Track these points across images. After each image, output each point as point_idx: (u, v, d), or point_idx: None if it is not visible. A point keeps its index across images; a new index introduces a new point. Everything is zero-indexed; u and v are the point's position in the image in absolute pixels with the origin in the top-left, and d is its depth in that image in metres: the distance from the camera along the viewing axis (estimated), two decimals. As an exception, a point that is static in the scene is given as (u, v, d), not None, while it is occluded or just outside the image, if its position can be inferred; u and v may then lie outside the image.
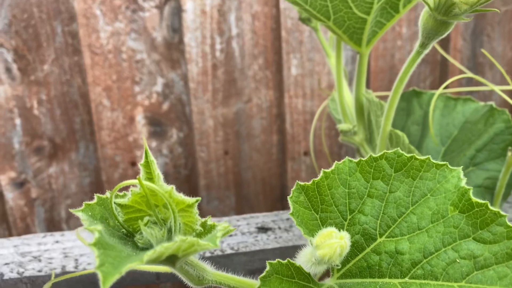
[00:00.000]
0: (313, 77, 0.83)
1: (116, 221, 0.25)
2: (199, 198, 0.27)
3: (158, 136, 0.81)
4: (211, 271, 0.29)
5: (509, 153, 0.43)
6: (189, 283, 0.29)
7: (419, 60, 0.36)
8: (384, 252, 0.26)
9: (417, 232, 0.26)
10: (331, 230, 0.25)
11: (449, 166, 0.27)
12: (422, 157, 0.27)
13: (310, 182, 0.29)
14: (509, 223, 0.25)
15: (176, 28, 0.77)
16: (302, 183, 0.29)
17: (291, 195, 0.28)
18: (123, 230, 0.26)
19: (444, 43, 0.86)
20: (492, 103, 0.50)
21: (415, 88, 0.56)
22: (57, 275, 0.44)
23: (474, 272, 0.24)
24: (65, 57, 0.75)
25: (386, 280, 0.25)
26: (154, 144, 0.81)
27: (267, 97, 0.83)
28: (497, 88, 0.49)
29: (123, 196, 0.27)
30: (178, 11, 0.76)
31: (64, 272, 0.44)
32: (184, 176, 0.85)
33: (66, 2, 0.73)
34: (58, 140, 0.79)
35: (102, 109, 0.78)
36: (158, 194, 0.26)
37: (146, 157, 0.27)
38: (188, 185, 0.85)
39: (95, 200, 0.28)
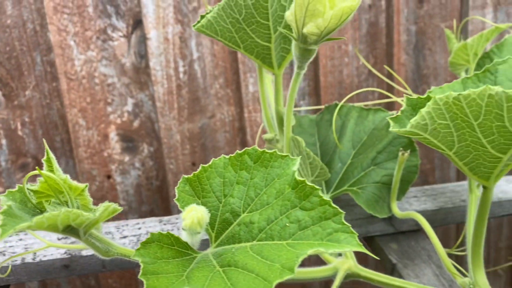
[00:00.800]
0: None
1: (30, 203, 0.33)
2: (87, 184, 0.35)
3: (131, 151, 0.90)
4: (115, 245, 0.37)
5: (400, 154, 0.51)
6: (98, 255, 0.37)
7: (300, 79, 0.44)
8: (243, 224, 0.34)
9: (266, 206, 0.34)
10: (193, 206, 0.33)
11: (290, 156, 0.35)
12: (271, 151, 0.36)
13: (192, 175, 0.37)
14: (321, 194, 0.33)
15: (143, 54, 0.86)
16: (186, 176, 0.37)
17: (178, 186, 0.37)
18: (38, 210, 0.34)
19: (389, 58, 0.95)
20: (395, 112, 0.58)
21: (336, 102, 0.65)
22: (17, 266, 0.52)
23: (298, 232, 0.32)
24: (45, 83, 0.85)
25: (242, 244, 0.33)
26: (127, 158, 0.90)
27: (229, 113, 0.92)
28: (399, 100, 0.57)
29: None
30: (143, 39, 0.85)
31: (23, 263, 0.52)
32: (156, 187, 0.93)
33: (44, 35, 0.83)
34: (41, 157, 0.88)
35: (79, 128, 0.87)
36: (58, 182, 0.34)
37: (48, 154, 0.35)
38: (160, 195, 0.94)
39: (16, 188, 0.36)
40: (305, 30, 0.37)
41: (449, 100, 0.32)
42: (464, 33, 0.95)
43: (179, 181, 0.37)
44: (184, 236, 0.34)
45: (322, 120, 0.65)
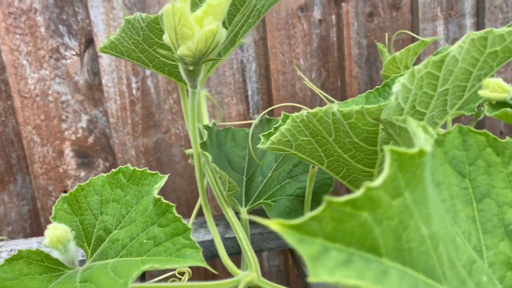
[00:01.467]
0: (223, 108, 0.94)
1: None
2: None
3: (86, 166, 0.92)
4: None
5: (310, 166, 0.52)
6: None
7: (196, 98, 0.46)
8: (111, 241, 0.35)
9: (132, 224, 0.35)
10: (53, 224, 0.34)
11: (159, 174, 0.36)
12: (141, 169, 0.37)
13: (69, 193, 0.39)
14: (175, 212, 0.34)
15: (96, 72, 0.88)
16: (65, 195, 0.38)
17: (56, 204, 0.38)
18: None
19: (341, 71, 0.97)
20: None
21: (267, 116, 0.66)
22: None
23: (153, 249, 0.33)
24: (0, 102, 0.87)
25: (107, 260, 0.34)
26: (83, 174, 0.92)
27: (184, 127, 0.94)
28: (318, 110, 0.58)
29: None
30: (95, 57, 0.87)
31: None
32: (113, 201, 0.94)
33: (-3, 55, 0.85)
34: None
35: (34, 145, 0.89)
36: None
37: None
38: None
39: None
40: (179, 52, 0.38)
41: (304, 118, 0.33)
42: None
43: (57, 200, 0.39)
44: (55, 253, 0.35)
45: (254, 133, 0.67)
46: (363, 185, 0.19)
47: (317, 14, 0.93)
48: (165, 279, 0.52)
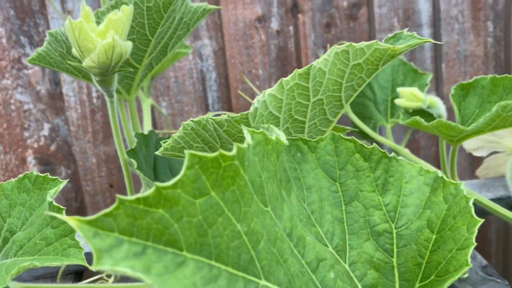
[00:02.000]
0: (183, 116, 0.96)
1: None
2: None
3: (48, 174, 0.94)
4: None
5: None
6: None
7: (115, 106, 0.48)
8: (12, 241, 0.38)
9: (31, 226, 0.38)
10: None
11: (59, 179, 0.39)
12: (43, 175, 0.39)
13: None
14: (64, 214, 0.36)
15: (57, 81, 0.91)
16: None
17: None
18: None
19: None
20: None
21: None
22: None
23: (44, 248, 0.35)
24: (-36, 110, 0.89)
25: (7, 260, 0.37)
26: (45, 180, 0.94)
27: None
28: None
29: None
30: (57, 67, 0.90)
31: None
32: (75, 208, 0.96)
33: (-39, 65, 0.87)
34: (-38, 181, 0.92)
35: (-4, 153, 0.91)
36: None
37: None
38: (81, 216, 0.97)
39: None
40: (84, 64, 0.41)
41: (193, 126, 0.36)
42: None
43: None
44: None
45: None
46: (156, 186, 0.21)
47: (274, 25, 0.95)
48: (97, 281, 0.54)
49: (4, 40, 0.88)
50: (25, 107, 0.91)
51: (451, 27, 1.00)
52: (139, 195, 0.21)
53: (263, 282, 0.25)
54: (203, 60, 0.95)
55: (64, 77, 0.90)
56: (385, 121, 0.71)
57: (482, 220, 0.29)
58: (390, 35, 0.41)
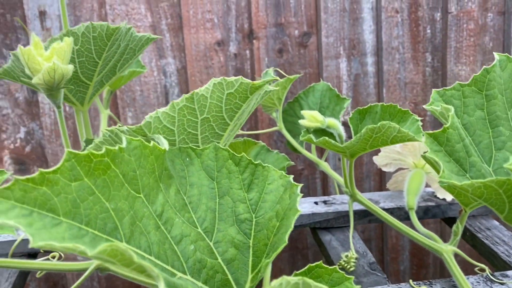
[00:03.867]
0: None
1: None
2: None
3: (23, 172, 1.04)
4: None
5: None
6: None
7: (62, 116, 0.58)
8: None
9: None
10: None
11: (5, 171, 0.49)
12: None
13: None
14: None
15: (34, 90, 1.01)
16: None
17: None
18: None
19: (255, 99, 1.10)
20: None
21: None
22: None
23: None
24: (-51, 112, 1.00)
25: None
26: (19, 178, 1.04)
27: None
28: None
29: None
30: (34, 78, 1.01)
31: None
32: (45, 204, 1.06)
33: (-52, 72, 0.98)
34: None
35: (-24, 152, 1.01)
36: None
37: None
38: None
39: None
40: (33, 81, 0.51)
41: (108, 133, 0.46)
42: (321, 77, 1.09)
43: None
44: None
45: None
46: (39, 171, 0.32)
47: (232, 48, 1.06)
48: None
49: (-12, 52, 0.99)
50: (4, 111, 1.01)
51: (392, 57, 1.11)
52: (28, 176, 0.32)
53: (124, 244, 0.35)
54: (167, 76, 1.06)
55: (40, 86, 1.01)
56: (311, 138, 0.81)
57: (300, 211, 0.40)
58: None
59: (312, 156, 0.79)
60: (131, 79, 0.83)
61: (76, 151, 0.33)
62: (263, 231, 0.44)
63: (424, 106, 0.50)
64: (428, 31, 1.12)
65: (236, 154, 0.45)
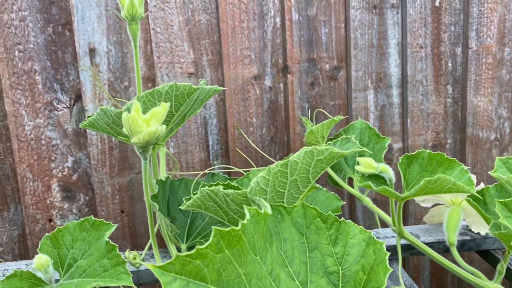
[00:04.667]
0: (187, 155, 1.13)
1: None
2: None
3: (69, 199, 1.09)
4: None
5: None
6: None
7: (147, 167, 0.64)
8: (76, 267, 0.53)
9: (91, 256, 0.54)
10: (39, 255, 0.52)
11: (111, 224, 0.55)
12: (100, 220, 0.56)
13: (51, 233, 0.57)
14: (117, 250, 0.52)
15: (82, 121, 1.07)
16: (48, 234, 0.56)
17: (42, 240, 0.56)
18: None
19: (287, 129, 1.16)
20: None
21: (216, 171, 0.85)
22: None
23: (102, 273, 0.51)
24: (0, 143, 1.05)
25: (73, 280, 0.52)
26: (66, 205, 1.09)
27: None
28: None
29: None
30: (82, 110, 1.06)
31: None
32: (90, 229, 1.12)
33: (1, 105, 1.03)
34: (-6, 203, 1.07)
35: (26, 180, 1.07)
36: None
37: None
38: (93, 236, 1.12)
39: None
40: (132, 141, 0.57)
41: (208, 191, 0.52)
42: (349, 109, 1.16)
43: (43, 237, 0.57)
44: (39, 274, 0.53)
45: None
46: (196, 248, 0.38)
47: (268, 82, 1.13)
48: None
49: (40, 86, 1.04)
50: (53, 142, 1.07)
51: (416, 89, 1.19)
52: (188, 252, 0.38)
53: (252, 303, 0.41)
54: (207, 108, 1.12)
55: (89, 119, 1.06)
56: (352, 174, 0.88)
57: (391, 270, 0.46)
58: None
59: (355, 191, 0.85)
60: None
61: (220, 228, 0.39)
62: (350, 282, 0.50)
63: (489, 172, 0.57)
64: (450, 65, 1.20)
65: (323, 213, 0.52)
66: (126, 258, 0.78)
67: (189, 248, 0.74)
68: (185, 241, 0.74)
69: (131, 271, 0.75)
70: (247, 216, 0.42)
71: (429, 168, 0.71)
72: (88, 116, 0.67)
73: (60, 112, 1.06)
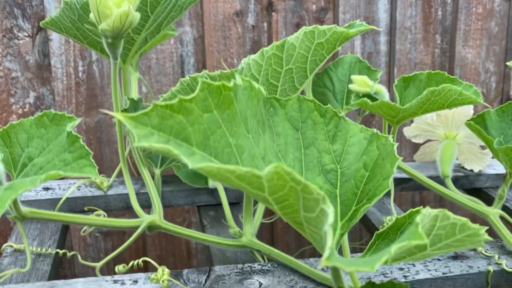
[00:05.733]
0: (162, 96, 1.04)
1: None
2: None
3: (30, 139, 1.00)
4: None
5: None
6: None
7: (117, 68, 0.56)
8: (32, 165, 0.46)
9: (50, 152, 0.46)
10: None
11: (74, 117, 0.48)
12: (61, 113, 0.48)
13: (2, 129, 0.49)
14: (81, 141, 0.45)
15: (46, 53, 0.97)
16: None
17: None
18: None
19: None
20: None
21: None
22: None
23: (62, 168, 0.44)
24: (-47, 73, 0.94)
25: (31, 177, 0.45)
26: (26, 145, 1.00)
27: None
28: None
29: None
30: (46, 40, 0.97)
31: None
32: (53, 173, 1.03)
33: (-46, 30, 0.93)
34: None
35: (-18, 115, 0.97)
36: None
37: None
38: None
39: None
40: (100, 27, 0.49)
41: (187, 81, 0.45)
42: (336, 56, 1.10)
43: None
44: None
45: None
46: (179, 98, 0.31)
47: (251, 20, 1.05)
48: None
49: (-2, 10, 0.94)
50: (13, 74, 0.97)
51: (404, 36, 1.14)
52: (167, 102, 0.31)
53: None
54: (184, 45, 1.04)
55: (54, 49, 0.97)
56: (341, 108, 0.82)
57: (401, 158, 0.41)
58: (352, 39, 0.51)
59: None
60: (162, 41, 0.81)
61: (209, 81, 0.32)
62: (350, 181, 0.44)
63: (507, 63, 0.52)
64: (440, 13, 1.15)
65: (322, 105, 0.46)
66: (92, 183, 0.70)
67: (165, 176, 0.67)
68: (159, 166, 0.67)
69: (97, 195, 0.68)
70: (239, 82, 0.36)
71: (427, 90, 0.65)
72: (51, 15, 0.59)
73: (21, 41, 0.96)
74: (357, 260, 0.30)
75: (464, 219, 0.31)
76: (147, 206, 0.68)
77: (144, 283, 0.47)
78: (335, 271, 0.40)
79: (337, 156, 0.45)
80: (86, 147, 0.45)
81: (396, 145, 0.42)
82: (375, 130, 0.45)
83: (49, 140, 0.46)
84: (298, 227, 0.37)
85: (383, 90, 0.67)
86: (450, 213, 0.31)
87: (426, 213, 0.31)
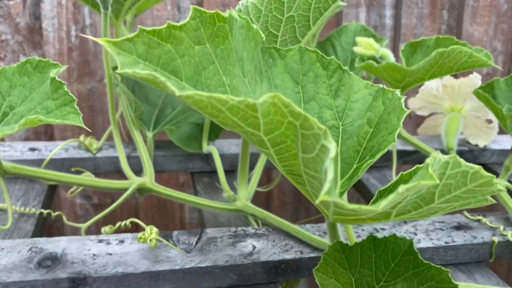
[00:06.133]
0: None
1: None
2: None
3: (20, 105, 0.97)
4: None
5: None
6: None
7: (108, 20, 0.53)
8: (13, 113, 0.43)
9: (32, 100, 0.43)
10: None
11: (59, 64, 0.44)
12: (45, 60, 0.45)
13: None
14: (65, 88, 0.42)
15: (37, 16, 0.93)
16: None
17: None
18: None
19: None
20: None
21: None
22: None
23: (46, 114, 0.41)
24: None
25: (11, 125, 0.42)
26: (16, 111, 0.97)
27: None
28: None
29: None
30: (38, 2, 0.93)
31: None
32: (46, 139, 1.00)
33: None
34: None
35: (-30, 78, 0.93)
36: None
37: None
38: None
39: None
40: (89, -31, 0.46)
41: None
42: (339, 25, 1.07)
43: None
44: None
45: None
46: (168, 23, 0.28)
47: (251, -12, 1.02)
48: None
49: (-12, -32, 0.90)
50: (3, 37, 0.93)
51: (410, 11, 1.10)
52: (155, 27, 0.28)
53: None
54: (181, 12, 1.00)
55: (45, 11, 0.93)
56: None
57: (408, 111, 0.38)
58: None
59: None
60: (158, 2, 0.77)
61: (202, 8, 0.29)
62: (352, 138, 0.41)
63: None
64: (447, -13, 1.11)
65: (325, 56, 0.42)
66: (81, 144, 0.67)
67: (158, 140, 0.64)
68: (152, 129, 0.64)
69: (85, 157, 0.65)
70: (235, 15, 0.32)
71: (434, 56, 0.62)
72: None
73: (11, 2, 0.92)
74: (360, 205, 0.27)
75: (477, 166, 0.28)
76: (138, 170, 0.65)
77: (130, 243, 0.45)
78: (332, 226, 0.37)
79: (339, 112, 0.42)
80: (71, 94, 0.42)
81: (403, 98, 0.39)
82: (381, 85, 0.42)
83: (32, 89, 0.43)
84: (296, 181, 0.35)
85: (389, 54, 0.64)
86: (461, 160, 0.28)
87: (437, 157, 0.28)
